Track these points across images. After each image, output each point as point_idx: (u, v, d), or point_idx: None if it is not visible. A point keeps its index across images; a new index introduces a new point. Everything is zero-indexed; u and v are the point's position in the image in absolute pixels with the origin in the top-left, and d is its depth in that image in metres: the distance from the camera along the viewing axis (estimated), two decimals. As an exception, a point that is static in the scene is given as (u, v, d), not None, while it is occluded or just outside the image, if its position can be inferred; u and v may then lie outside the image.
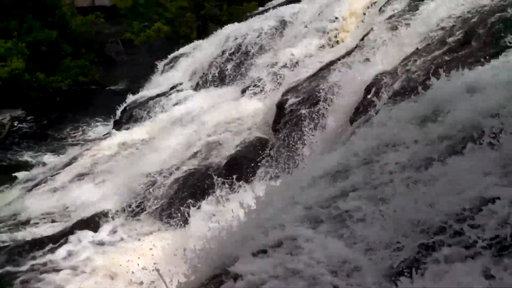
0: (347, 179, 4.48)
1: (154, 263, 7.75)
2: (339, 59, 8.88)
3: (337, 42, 10.65)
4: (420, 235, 3.29)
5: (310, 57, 10.61)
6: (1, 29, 21.61)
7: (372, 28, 8.59)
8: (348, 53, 8.63)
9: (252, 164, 9.15)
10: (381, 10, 9.35)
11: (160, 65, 18.86)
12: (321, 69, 9.11)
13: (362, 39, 8.60)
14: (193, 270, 4.69)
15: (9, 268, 8.56)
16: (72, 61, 23.10)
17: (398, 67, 6.41)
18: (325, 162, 5.05)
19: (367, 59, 7.48)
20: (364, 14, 10.53)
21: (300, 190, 4.72)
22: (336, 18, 11.15)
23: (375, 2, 10.37)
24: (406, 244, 3.20)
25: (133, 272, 7.92)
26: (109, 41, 28.79)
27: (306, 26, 12.32)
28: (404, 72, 6.11)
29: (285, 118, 8.74)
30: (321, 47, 10.78)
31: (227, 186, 8.84)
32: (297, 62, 10.78)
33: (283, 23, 13.84)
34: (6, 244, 9.39)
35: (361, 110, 6.19)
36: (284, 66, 11.08)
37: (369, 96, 6.18)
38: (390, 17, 8.59)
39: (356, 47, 8.57)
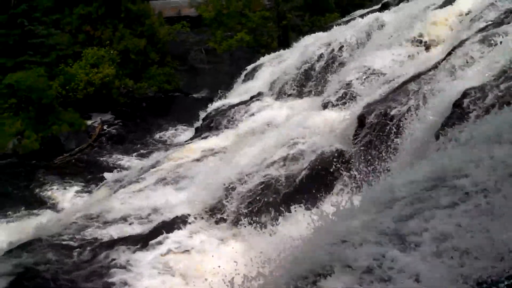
0: (429, 199, 4.35)
1: (232, 268, 7.93)
2: (426, 72, 8.61)
3: (424, 54, 10.33)
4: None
5: (394, 69, 10.37)
6: (96, 37, 23.06)
7: (462, 41, 8.27)
8: (436, 66, 8.35)
9: (331, 176, 9.10)
10: (472, 22, 8.99)
11: (242, 74, 19.24)
12: (406, 82, 8.88)
13: (451, 51, 8.29)
14: (272, 281, 4.75)
15: (94, 266, 9.02)
16: (158, 69, 24.12)
17: (490, 82, 6.14)
18: (406, 178, 4.95)
19: (456, 73, 7.21)
20: (454, 25, 10.17)
21: (380, 207, 4.64)
22: (424, 29, 10.83)
23: (467, 13, 9.98)
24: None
25: (207, 278, 8.12)
26: (193, 49, 29.74)
27: (391, 37, 12.07)
28: (495, 88, 5.85)
29: (366, 131, 8.61)
30: (406, 59, 10.50)
31: (305, 196, 8.86)
32: (380, 74, 10.58)
33: (367, 34, 13.64)
34: (92, 241, 9.97)
35: (448, 126, 5.98)
36: (367, 77, 10.91)
37: (457, 112, 5.96)
38: (482, 29, 8.24)
39: (444, 59, 8.27)
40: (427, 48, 10.35)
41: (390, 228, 4.15)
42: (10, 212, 13.23)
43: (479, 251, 3.30)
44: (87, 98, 20.41)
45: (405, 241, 3.67)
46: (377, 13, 14.87)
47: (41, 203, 13.95)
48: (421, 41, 10.62)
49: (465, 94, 6.13)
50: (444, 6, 11.52)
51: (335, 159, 9.32)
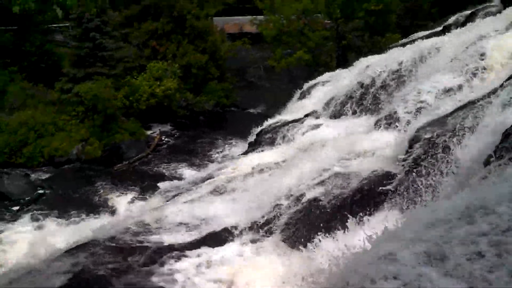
0: (472, 224, 4.39)
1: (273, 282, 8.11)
2: (480, 99, 8.53)
3: (481, 80, 10.19)
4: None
5: (449, 94, 10.29)
6: (161, 52, 24.07)
7: (519, 69, 8.16)
8: (491, 94, 8.26)
9: (379, 198, 9.10)
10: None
11: (298, 92, 19.44)
12: (460, 107, 8.82)
13: (508, 79, 8.18)
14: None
15: (145, 269, 9.41)
16: (217, 84, 24.80)
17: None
18: (451, 204, 4.99)
19: (511, 102, 7.14)
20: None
21: (423, 229, 4.71)
22: (482, 55, 10.68)
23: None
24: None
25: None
26: (252, 66, 30.34)
27: (448, 62, 11.96)
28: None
29: (417, 154, 8.60)
30: (462, 84, 10.40)
31: (352, 217, 8.91)
32: (435, 98, 10.52)
33: (424, 57, 13.55)
34: (145, 246, 10.42)
35: (497, 155, 5.95)
36: (421, 101, 10.87)
37: (508, 141, 5.93)
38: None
39: (500, 87, 8.18)
40: (484, 74, 10.20)
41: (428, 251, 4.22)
42: (71, 214, 14.02)
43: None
44: (148, 109, 21.30)
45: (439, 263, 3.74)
46: (437, 38, 14.71)
47: (100, 207, 14.64)
48: (478, 68, 10.48)
49: (516, 124, 6.10)
50: (506, 32, 11.32)
51: (383, 181, 9.33)
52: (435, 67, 12.32)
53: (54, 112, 19.52)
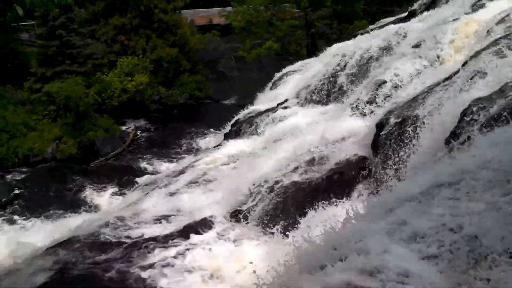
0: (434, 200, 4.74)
1: (252, 268, 8.39)
2: (442, 81, 8.95)
3: (442, 64, 10.64)
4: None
5: (413, 79, 10.71)
6: (130, 47, 23.96)
7: (476, 52, 8.58)
8: (450, 77, 8.68)
9: (351, 181, 9.48)
10: (488, 33, 9.28)
11: (270, 81, 19.69)
12: (423, 91, 9.23)
13: (466, 63, 8.61)
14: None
15: (126, 262, 9.58)
16: (189, 77, 24.84)
17: (498, 93, 6.47)
18: (416, 183, 5.33)
19: (468, 84, 7.55)
20: (473, 36, 10.44)
21: (390, 209, 5.05)
22: (443, 40, 11.11)
23: (485, 24, 10.24)
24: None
25: (232, 277, 8.59)
26: (223, 57, 30.42)
27: (413, 47, 12.36)
28: (502, 99, 6.18)
29: (384, 138, 8.98)
30: (425, 69, 10.82)
31: (325, 201, 9.25)
32: (400, 83, 10.93)
33: (390, 43, 13.94)
34: (125, 240, 10.58)
35: (457, 133, 6.35)
36: (387, 86, 11.26)
37: (465, 120, 6.32)
38: (497, 41, 8.53)
39: (458, 70, 8.61)
40: (446, 58, 10.64)
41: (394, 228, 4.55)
42: (49, 212, 14.03)
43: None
44: (121, 105, 21.20)
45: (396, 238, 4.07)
46: (401, 24, 15.12)
47: (79, 205, 14.68)
48: (440, 51, 10.91)
49: (473, 103, 6.48)
50: (468, 15, 11.75)
51: (355, 165, 9.72)
52: (400, 53, 12.72)
53: (24, 112, 19.32)
